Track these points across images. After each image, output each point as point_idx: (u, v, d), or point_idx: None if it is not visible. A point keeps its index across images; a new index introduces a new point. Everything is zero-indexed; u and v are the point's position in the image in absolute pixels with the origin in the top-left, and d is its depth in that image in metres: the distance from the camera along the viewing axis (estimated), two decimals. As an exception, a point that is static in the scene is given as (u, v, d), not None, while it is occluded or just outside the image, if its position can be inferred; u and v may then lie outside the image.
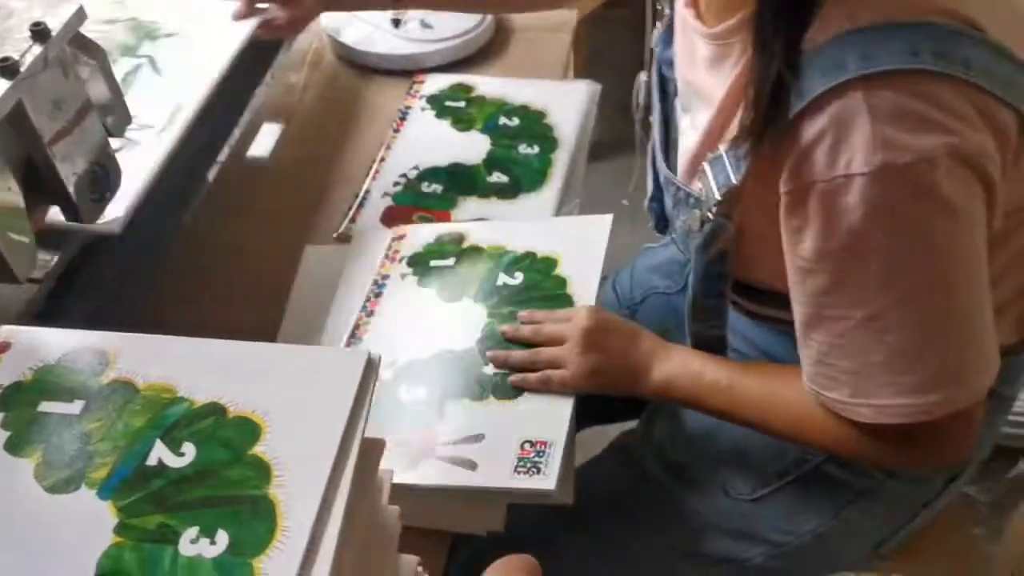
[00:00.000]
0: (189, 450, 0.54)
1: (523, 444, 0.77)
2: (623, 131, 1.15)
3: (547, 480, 0.74)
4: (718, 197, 0.72)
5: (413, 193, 1.08)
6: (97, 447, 0.54)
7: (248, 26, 1.00)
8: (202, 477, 0.53)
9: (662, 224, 0.91)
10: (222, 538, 0.50)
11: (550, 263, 0.91)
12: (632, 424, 1.03)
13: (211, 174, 1.10)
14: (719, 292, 0.79)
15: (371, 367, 0.57)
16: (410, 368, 0.86)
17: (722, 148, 0.71)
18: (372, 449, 0.59)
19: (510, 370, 0.83)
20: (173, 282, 1.01)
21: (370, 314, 0.92)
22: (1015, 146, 0.65)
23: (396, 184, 1.10)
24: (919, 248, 0.64)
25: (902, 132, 0.60)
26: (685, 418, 0.94)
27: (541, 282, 0.90)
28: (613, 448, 1.02)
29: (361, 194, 1.09)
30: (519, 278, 0.91)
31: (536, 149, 1.11)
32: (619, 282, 1.13)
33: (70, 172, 0.70)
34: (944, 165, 0.61)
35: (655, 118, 0.87)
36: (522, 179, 1.09)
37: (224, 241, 1.06)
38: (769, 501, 0.89)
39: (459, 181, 1.09)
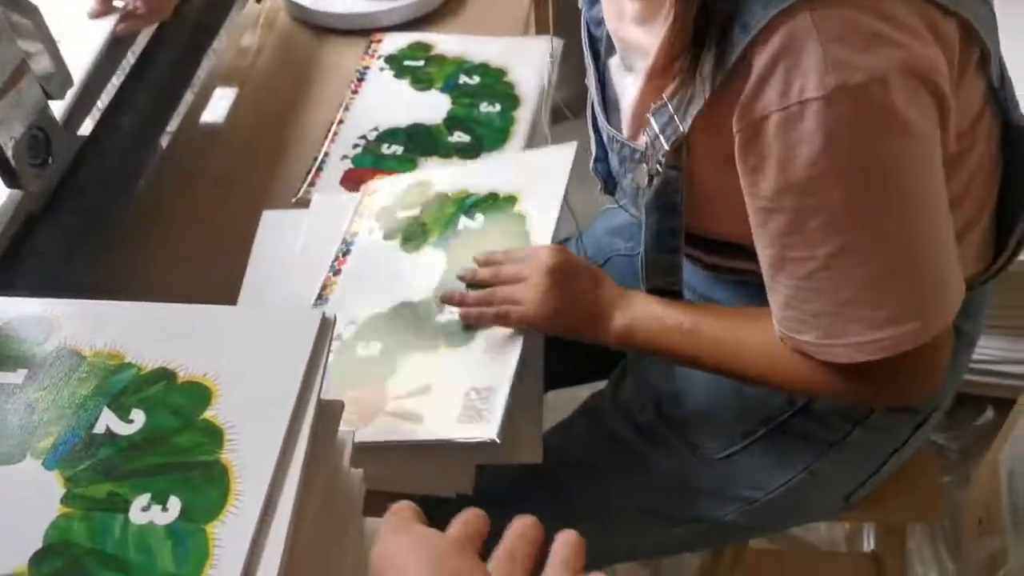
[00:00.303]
0: (138, 417, 0.53)
1: (468, 392, 0.74)
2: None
3: (488, 427, 0.71)
4: (666, 147, 0.70)
5: (373, 155, 1.06)
6: (42, 416, 0.53)
7: (107, 24, 0.95)
8: (152, 444, 0.51)
9: (610, 185, 0.89)
10: (174, 505, 0.49)
11: (511, 201, 0.89)
12: (601, 385, 1.02)
13: (164, 141, 1.07)
14: (672, 247, 0.78)
15: (326, 327, 0.56)
16: (369, 324, 0.84)
17: (665, 97, 0.70)
18: (330, 411, 0.57)
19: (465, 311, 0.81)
20: (128, 250, 0.99)
21: (337, 273, 0.91)
22: (959, 60, 0.65)
23: (355, 146, 1.07)
24: (879, 172, 0.62)
25: (853, 51, 0.59)
26: (652, 379, 0.93)
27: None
28: (582, 410, 1.01)
29: (319, 157, 1.07)
30: (479, 220, 0.89)
31: (497, 107, 1.09)
32: (581, 243, 1.12)
33: (7, 136, 0.68)
34: (897, 82, 0.60)
35: (590, 79, 0.85)
36: (484, 138, 1.07)
37: (180, 207, 1.04)
38: (739, 458, 0.88)
39: (420, 141, 1.07)
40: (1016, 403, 1.25)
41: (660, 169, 0.72)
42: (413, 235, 0.90)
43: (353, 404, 0.75)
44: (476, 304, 0.80)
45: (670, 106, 0.69)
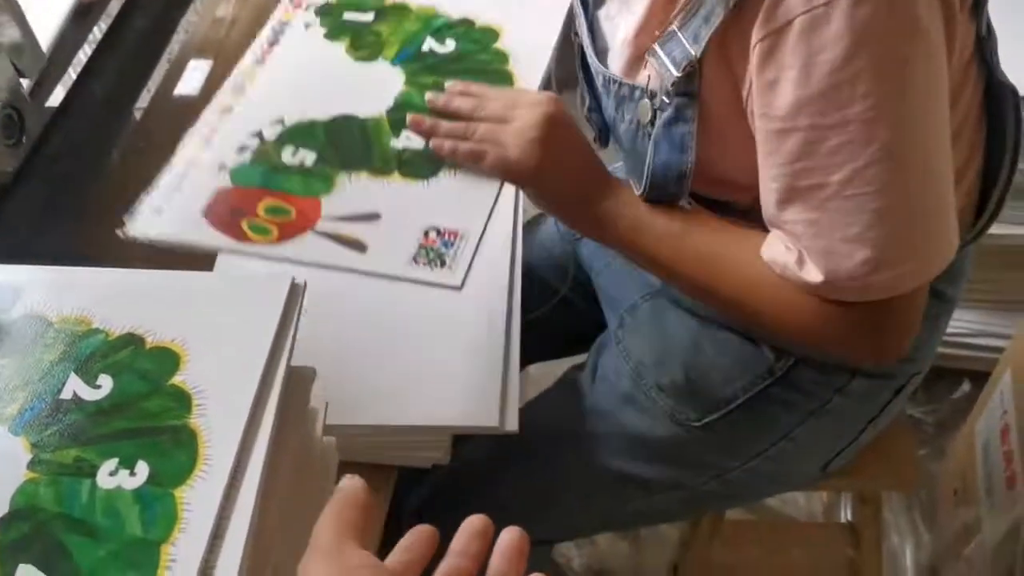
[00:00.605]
0: (106, 382, 0.52)
1: (427, 231, 0.67)
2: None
3: (452, 275, 0.65)
4: (676, 74, 0.68)
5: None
6: (7, 383, 0.52)
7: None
8: (120, 409, 0.51)
9: (604, 134, 0.86)
10: (142, 469, 0.48)
11: (490, 34, 0.80)
12: (580, 359, 1.03)
13: (137, 112, 1.06)
14: (679, 193, 0.73)
15: (295, 293, 0.56)
16: (301, 130, 0.74)
17: (674, 26, 0.68)
18: (301, 378, 0.57)
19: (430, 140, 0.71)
20: (101, 222, 0.97)
21: (260, 62, 0.81)
22: None
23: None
24: (900, 81, 0.61)
25: None
26: (632, 349, 0.93)
27: (477, 54, 0.77)
28: (561, 382, 1.01)
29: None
30: (450, 46, 0.79)
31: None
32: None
33: None
34: None
35: (580, 27, 0.83)
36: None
37: (153, 179, 1.02)
38: (718, 427, 0.88)
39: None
40: (991, 376, 1.27)
41: (667, 100, 0.69)
42: (364, 43, 0.80)
43: (272, 213, 0.66)
44: (449, 136, 0.71)
45: (679, 33, 0.68)
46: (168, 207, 0.73)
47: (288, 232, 0.66)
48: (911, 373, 0.88)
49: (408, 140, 0.72)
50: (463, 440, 0.81)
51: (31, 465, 0.49)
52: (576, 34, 0.83)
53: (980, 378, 1.36)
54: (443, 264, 0.65)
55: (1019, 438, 1.14)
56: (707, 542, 1.11)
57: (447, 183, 0.69)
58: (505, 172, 0.70)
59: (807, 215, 0.65)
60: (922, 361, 0.88)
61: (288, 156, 0.72)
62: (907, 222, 0.64)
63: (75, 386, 0.52)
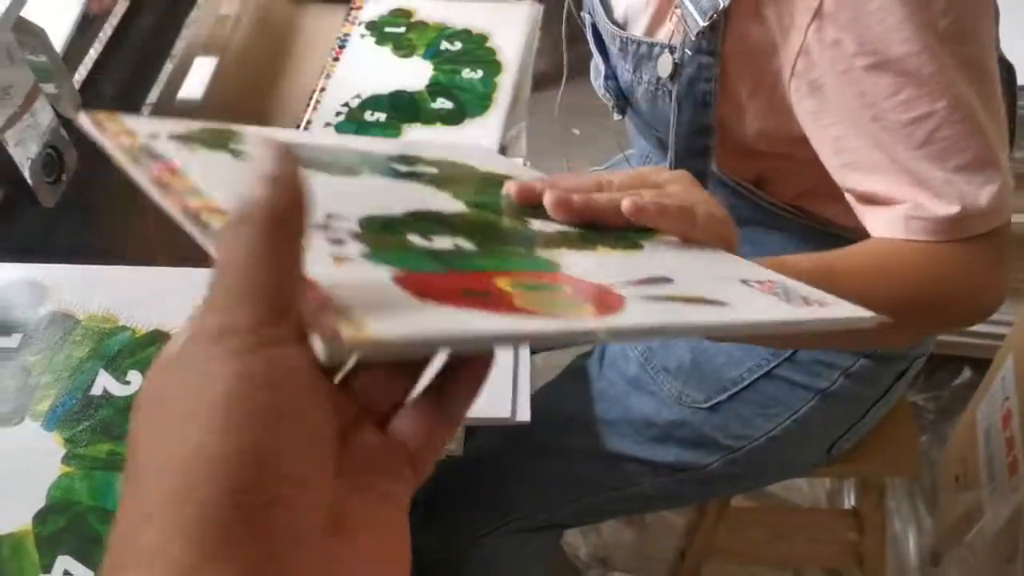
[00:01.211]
0: (135, 378, 0.53)
1: (743, 282, 0.46)
2: (570, 57, 1.14)
3: (841, 307, 0.43)
4: (702, 24, 0.66)
5: (355, 123, 1.06)
6: (39, 379, 0.53)
7: (78, 5, 0.93)
8: (150, 404, 0.52)
9: (622, 101, 0.85)
10: (174, 463, 0.49)
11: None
12: (586, 347, 1.04)
13: (145, 111, 1.06)
14: (703, 147, 0.72)
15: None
16: (378, 225, 0.39)
17: None
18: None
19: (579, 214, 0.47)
20: (112, 221, 0.98)
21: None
22: None
23: (338, 114, 1.07)
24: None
25: None
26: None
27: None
28: (569, 370, 1.02)
29: (302, 126, 1.06)
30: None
31: (480, 73, 1.10)
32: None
33: (23, 157, 0.69)
34: None
35: (591, 1, 0.84)
36: (467, 105, 1.07)
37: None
38: (724, 408, 0.89)
39: (403, 108, 1.07)
40: (993, 362, 1.28)
41: (689, 52, 0.68)
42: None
43: (529, 289, 0.35)
44: (612, 198, 0.48)
45: None
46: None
47: (603, 303, 0.37)
48: (913, 356, 0.89)
49: (543, 223, 0.47)
50: (474, 431, 0.82)
51: (65, 460, 0.50)
52: (585, 10, 0.84)
53: (981, 365, 1.37)
54: (808, 302, 0.45)
55: (1021, 424, 1.15)
56: (712, 529, 1.13)
57: (661, 246, 0.49)
58: (716, 228, 0.51)
59: (915, 151, 0.62)
60: (924, 344, 0.89)
61: (419, 239, 0.40)
62: (1001, 141, 0.63)
63: (105, 382, 0.53)
